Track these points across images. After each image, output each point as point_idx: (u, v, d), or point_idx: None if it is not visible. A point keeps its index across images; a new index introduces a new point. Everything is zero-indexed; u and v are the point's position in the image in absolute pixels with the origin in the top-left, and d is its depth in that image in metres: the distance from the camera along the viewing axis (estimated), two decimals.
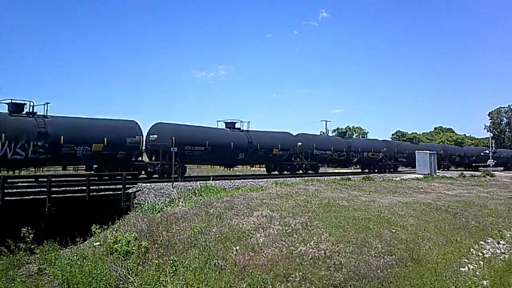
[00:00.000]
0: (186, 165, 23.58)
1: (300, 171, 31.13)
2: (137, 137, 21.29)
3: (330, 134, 38.27)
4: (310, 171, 31.67)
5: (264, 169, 31.52)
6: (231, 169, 28.37)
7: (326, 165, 37.93)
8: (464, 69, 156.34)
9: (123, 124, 21.65)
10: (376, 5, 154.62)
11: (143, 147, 22.52)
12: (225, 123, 27.69)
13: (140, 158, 22.35)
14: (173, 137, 21.69)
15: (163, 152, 21.44)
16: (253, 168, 33.10)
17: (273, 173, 29.83)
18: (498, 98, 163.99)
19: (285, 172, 29.63)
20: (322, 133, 67.93)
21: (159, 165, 21.66)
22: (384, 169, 39.47)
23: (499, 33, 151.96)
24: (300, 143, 30.90)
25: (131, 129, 21.38)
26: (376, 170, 38.51)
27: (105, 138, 19.65)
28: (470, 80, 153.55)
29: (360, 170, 40.80)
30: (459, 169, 51.77)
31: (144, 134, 22.47)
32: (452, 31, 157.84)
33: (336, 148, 34.85)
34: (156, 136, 22.71)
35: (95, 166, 20.75)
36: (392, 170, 40.26)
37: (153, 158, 22.65)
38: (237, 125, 27.79)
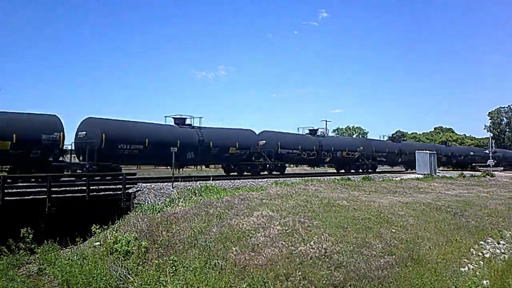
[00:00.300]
0: (121, 166, 20.95)
1: (265, 172, 28.54)
2: (55, 134, 18.43)
3: (298, 132, 34.26)
4: (274, 172, 28.88)
5: (222, 170, 28.67)
6: (179, 170, 24.19)
7: (294, 165, 34.90)
8: (464, 69, 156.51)
9: (39, 119, 18.58)
10: (376, 5, 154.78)
11: (71, 146, 20.57)
12: (174, 118, 24.78)
13: (61, 158, 19.53)
14: (103, 134, 19.64)
15: (90, 151, 19.27)
16: (207, 169, 28.93)
17: (232, 173, 27.41)
18: (498, 98, 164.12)
19: (245, 173, 26.95)
20: (322, 133, 68.03)
21: (86, 166, 19.25)
22: (362, 169, 36.89)
23: (499, 33, 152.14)
24: (263, 142, 28.50)
25: (49, 125, 18.51)
26: (352, 171, 35.92)
27: (14, 135, 16.94)
28: (470, 80, 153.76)
29: (335, 171, 37.61)
30: (445, 169, 49.62)
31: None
32: (452, 31, 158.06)
33: (305, 147, 31.63)
34: (84, 133, 20.42)
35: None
36: (370, 170, 37.42)
37: (81, 158, 20.48)
38: (188, 121, 25.00)
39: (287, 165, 31.73)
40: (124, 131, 21.23)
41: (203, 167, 27.46)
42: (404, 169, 45.19)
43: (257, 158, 28.00)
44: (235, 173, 27.16)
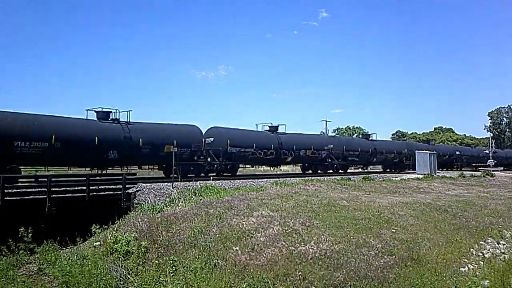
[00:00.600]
0: (20, 167, 18.21)
1: (213, 174, 25.11)
2: None
3: (257, 129, 30.28)
4: (225, 174, 25.64)
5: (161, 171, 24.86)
6: (101, 171, 21.21)
7: (251, 166, 30.70)
8: (464, 69, 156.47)
9: None
10: (376, 5, 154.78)
11: None
12: (96, 112, 21.15)
13: None
14: None
15: None
16: (140, 170, 25.28)
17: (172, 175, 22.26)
18: (498, 98, 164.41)
19: (190, 175, 22.78)
20: (322, 133, 67.99)
21: None
22: (333, 170, 34.10)
23: (499, 33, 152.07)
24: (211, 139, 25.27)
25: None
26: (320, 171, 32.60)
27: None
28: (470, 80, 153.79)
29: (300, 172, 34.50)
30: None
31: None
32: (452, 31, 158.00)
33: (261, 145, 27.66)
34: None
35: None
36: (341, 171, 34.78)
37: None
38: (127, 117, 21.73)
39: (241, 165, 28.50)
40: (24, 126, 17.53)
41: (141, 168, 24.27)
42: (382, 170, 42.81)
43: (202, 158, 24.48)
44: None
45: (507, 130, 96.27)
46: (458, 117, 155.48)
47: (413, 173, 34.98)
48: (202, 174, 24.08)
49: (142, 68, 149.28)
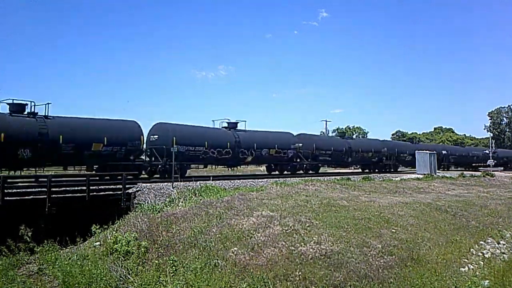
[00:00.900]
0: None
1: (157, 175, 22.58)
2: None
3: (214, 126, 27.98)
4: (176, 175, 21.24)
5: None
6: (8, 173, 18.82)
7: (203, 166, 27.64)
8: (464, 69, 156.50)
9: None
10: (376, 5, 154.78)
11: None
12: (8, 104, 18.87)
13: None
14: None
15: None
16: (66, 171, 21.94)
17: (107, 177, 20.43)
18: (498, 98, 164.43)
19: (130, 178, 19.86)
20: (322, 133, 67.98)
21: None
22: (303, 170, 31.90)
23: (499, 33, 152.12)
24: (155, 136, 22.96)
25: None
26: (286, 172, 30.38)
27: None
28: (470, 80, 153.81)
29: (266, 173, 31.68)
30: (410, 169, 42.70)
31: None
32: (452, 31, 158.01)
33: (214, 144, 25.09)
34: None
35: None
36: (311, 172, 32.46)
37: None
38: (34, 109, 18.88)
39: (193, 166, 26.30)
40: None
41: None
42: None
43: (137, 157, 22.32)
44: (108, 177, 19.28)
45: (507, 130, 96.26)
46: (458, 117, 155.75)
47: (413, 173, 35.00)
48: (146, 176, 22.31)
49: (142, 68, 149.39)
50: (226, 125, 27.84)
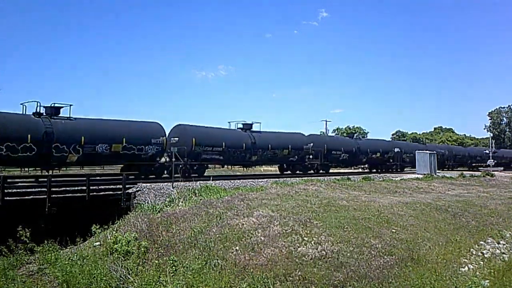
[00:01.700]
0: None
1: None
2: None
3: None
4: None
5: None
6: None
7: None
8: (464, 69, 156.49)
9: None
10: (376, 5, 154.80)
11: None
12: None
13: None
14: None
15: None
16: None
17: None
18: (498, 98, 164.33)
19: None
20: (322, 133, 67.93)
21: None
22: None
23: (499, 33, 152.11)
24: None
25: None
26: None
27: None
28: (470, 80, 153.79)
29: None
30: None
31: None
32: (452, 31, 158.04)
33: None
34: None
35: None
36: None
37: None
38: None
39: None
40: None
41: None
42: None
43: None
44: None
45: (507, 130, 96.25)
46: (458, 117, 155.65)
47: (413, 173, 34.99)
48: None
49: (142, 68, 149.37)
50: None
